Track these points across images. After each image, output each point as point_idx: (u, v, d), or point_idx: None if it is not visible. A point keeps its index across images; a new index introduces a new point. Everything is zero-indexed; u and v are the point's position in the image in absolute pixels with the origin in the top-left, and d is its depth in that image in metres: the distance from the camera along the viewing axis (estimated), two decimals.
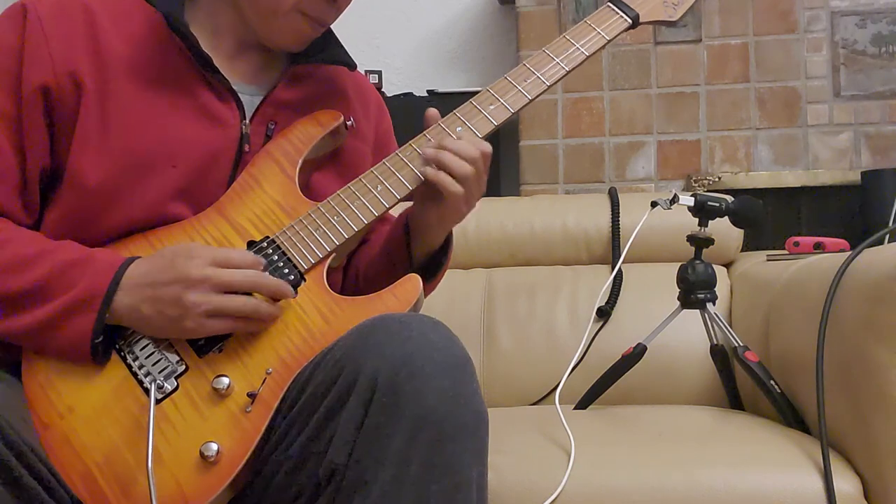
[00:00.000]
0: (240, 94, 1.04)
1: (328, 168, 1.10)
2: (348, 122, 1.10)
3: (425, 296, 1.02)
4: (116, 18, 1.01)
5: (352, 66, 1.13)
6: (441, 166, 0.99)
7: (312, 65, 1.09)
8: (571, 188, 2.26)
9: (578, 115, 2.26)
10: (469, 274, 1.79)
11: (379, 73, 2.35)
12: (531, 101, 1.07)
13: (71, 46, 0.97)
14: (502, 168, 2.41)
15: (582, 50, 1.10)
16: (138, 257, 0.94)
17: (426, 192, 1.03)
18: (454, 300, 1.72)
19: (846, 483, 1.01)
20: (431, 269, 1.11)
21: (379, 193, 1.01)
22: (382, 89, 2.36)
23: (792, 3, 2.19)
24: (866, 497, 1.02)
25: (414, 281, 0.97)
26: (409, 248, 1.09)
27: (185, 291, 0.89)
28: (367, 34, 2.55)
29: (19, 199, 0.98)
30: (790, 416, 1.21)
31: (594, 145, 2.26)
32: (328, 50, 1.09)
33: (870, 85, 2.16)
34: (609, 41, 1.12)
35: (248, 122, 1.04)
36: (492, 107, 1.06)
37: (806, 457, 1.04)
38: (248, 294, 0.92)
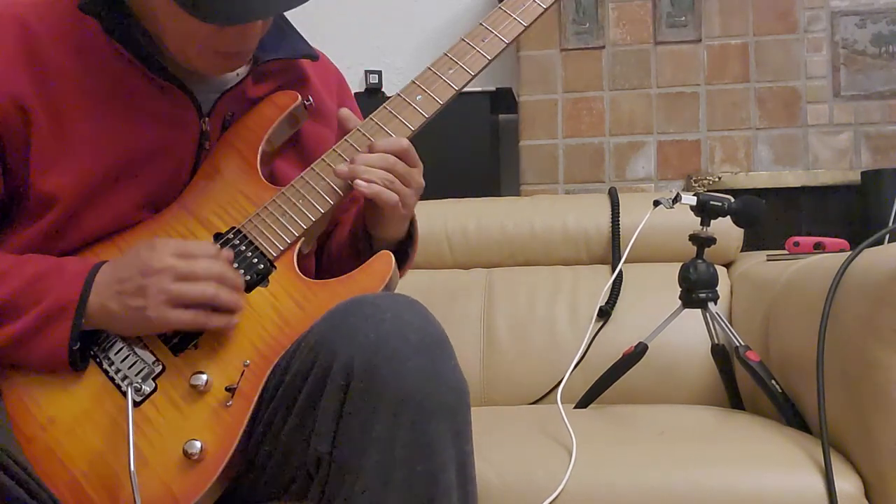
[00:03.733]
0: (196, 92, 1.00)
1: (290, 154, 1.09)
2: (307, 102, 1.07)
3: None
4: (55, 31, 0.96)
5: (314, 57, 1.11)
6: (366, 177, 0.97)
7: (278, 62, 1.07)
8: (571, 188, 2.26)
9: (578, 115, 2.26)
10: (469, 274, 1.79)
11: (379, 73, 2.35)
12: (490, 61, 1.05)
13: (11, 69, 0.93)
14: (502, 168, 2.41)
15: (538, 1, 1.06)
16: (106, 262, 0.93)
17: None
18: (454, 300, 1.72)
19: (847, 483, 1.01)
20: (398, 258, 1.09)
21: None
22: (382, 89, 2.36)
23: (792, 3, 2.19)
24: (867, 497, 1.02)
25: (385, 258, 0.96)
26: (371, 239, 1.09)
27: (145, 280, 0.89)
28: (367, 34, 2.55)
29: None
30: (791, 415, 1.21)
31: (594, 145, 2.26)
32: (289, 44, 1.07)
33: (870, 85, 2.16)
34: None
35: (206, 118, 1.02)
36: (451, 70, 1.04)
37: (807, 456, 1.04)
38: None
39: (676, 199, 1.31)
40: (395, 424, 0.81)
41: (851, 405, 1.06)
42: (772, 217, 2.11)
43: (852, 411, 1.06)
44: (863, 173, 2.04)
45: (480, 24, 1.06)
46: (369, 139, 1.01)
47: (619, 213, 1.76)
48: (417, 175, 1.01)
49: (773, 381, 1.23)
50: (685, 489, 1.03)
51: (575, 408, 1.36)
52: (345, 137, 1.02)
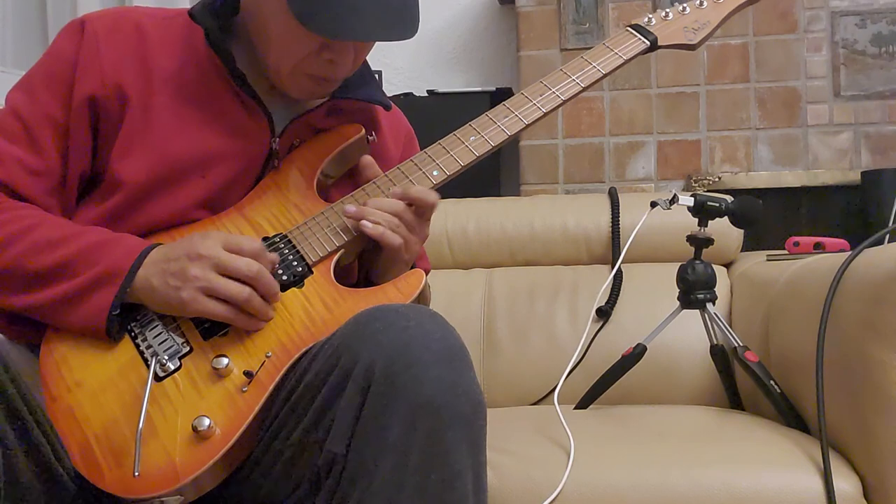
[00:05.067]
0: (272, 113, 1.07)
1: (345, 188, 1.13)
2: (370, 137, 1.13)
3: None
4: (164, 36, 1.07)
5: (387, 106, 1.17)
6: (367, 219, 1.02)
7: (351, 100, 1.12)
8: (571, 188, 2.26)
9: (578, 115, 2.26)
10: (469, 274, 1.79)
11: (379, 73, 2.35)
12: (545, 114, 1.12)
13: (121, 62, 1.04)
14: (502, 168, 2.41)
15: (598, 68, 1.13)
16: (164, 244, 0.99)
17: (361, 243, 1.06)
18: (454, 300, 1.72)
19: (846, 483, 1.01)
20: None
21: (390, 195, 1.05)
22: (382, 89, 2.36)
23: (792, 3, 2.19)
24: (866, 497, 1.02)
25: (417, 275, 1.01)
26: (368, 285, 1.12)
27: (189, 263, 0.94)
28: None
29: (56, 199, 1.03)
30: (790, 415, 1.21)
31: (594, 145, 2.26)
32: (367, 90, 1.14)
33: (870, 85, 2.16)
34: (626, 61, 1.14)
35: (277, 138, 1.08)
36: (506, 118, 1.11)
37: (806, 456, 1.04)
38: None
39: (673, 200, 1.31)
40: (411, 431, 0.82)
41: (851, 405, 1.06)
42: (772, 217, 2.11)
43: (852, 411, 1.06)
44: (863, 173, 2.04)
45: (540, 81, 1.13)
46: (419, 168, 1.08)
47: (619, 213, 1.76)
48: (424, 227, 1.07)
49: (772, 382, 1.23)
50: (684, 489, 1.03)
51: (575, 408, 1.36)
52: (398, 165, 1.09)
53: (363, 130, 1.12)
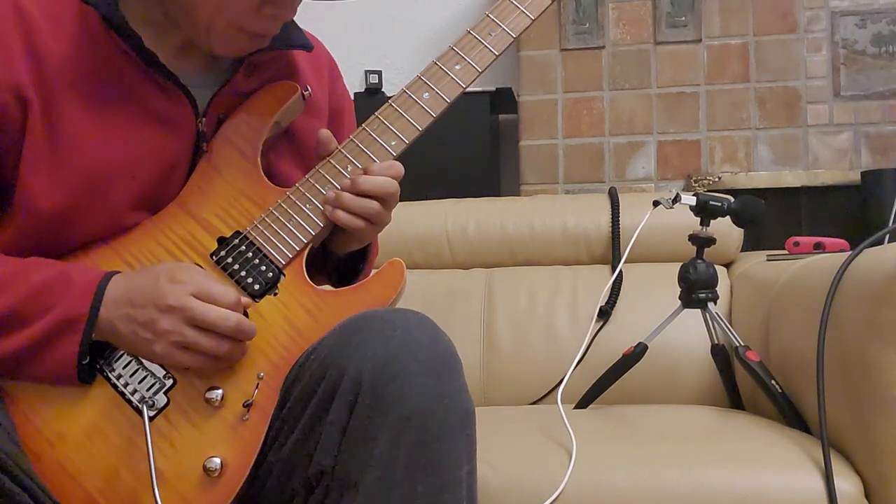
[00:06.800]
0: (191, 89, 0.96)
1: (284, 150, 1.05)
2: (305, 93, 1.04)
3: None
4: (50, 18, 0.91)
5: (309, 48, 1.05)
6: (350, 211, 0.96)
7: (271, 52, 1.01)
8: (571, 188, 2.26)
9: (578, 115, 2.26)
10: (469, 274, 1.79)
11: (379, 73, 2.35)
12: (498, 56, 1.05)
13: (9, 56, 0.88)
14: (502, 168, 2.41)
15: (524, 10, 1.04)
16: (116, 272, 0.90)
17: (327, 232, 1.00)
18: (454, 300, 1.72)
19: (847, 483, 1.01)
20: (348, 268, 1.09)
21: (350, 174, 0.97)
22: (382, 89, 2.36)
23: (792, 3, 2.19)
24: (867, 497, 1.02)
25: (397, 266, 0.96)
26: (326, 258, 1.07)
27: (159, 316, 0.86)
28: (367, 34, 2.55)
29: None
30: (791, 415, 1.21)
31: (594, 145, 2.26)
32: (282, 33, 1.00)
33: (870, 85, 2.16)
34: None
35: (203, 118, 0.98)
36: (458, 67, 1.03)
37: (806, 456, 1.04)
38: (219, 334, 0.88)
39: (676, 200, 1.31)
40: (397, 443, 0.80)
41: (851, 405, 1.06)
42: (772, 217, 2.10)
43: (852, 411, 1.06)
44: (863, 173, 2.04)
45: (487, 15, 1.03)
46: (375, 139, 0.99)
47: (619, 213, 1.76)
48: (389, 216, 1.00)
49: (773, 381, 1.23)
50: (685, 489, 1.03)
51: (575, 408, 1.36)
52: (351, 137, 1.00)
53: (299, 90, 1.01)
